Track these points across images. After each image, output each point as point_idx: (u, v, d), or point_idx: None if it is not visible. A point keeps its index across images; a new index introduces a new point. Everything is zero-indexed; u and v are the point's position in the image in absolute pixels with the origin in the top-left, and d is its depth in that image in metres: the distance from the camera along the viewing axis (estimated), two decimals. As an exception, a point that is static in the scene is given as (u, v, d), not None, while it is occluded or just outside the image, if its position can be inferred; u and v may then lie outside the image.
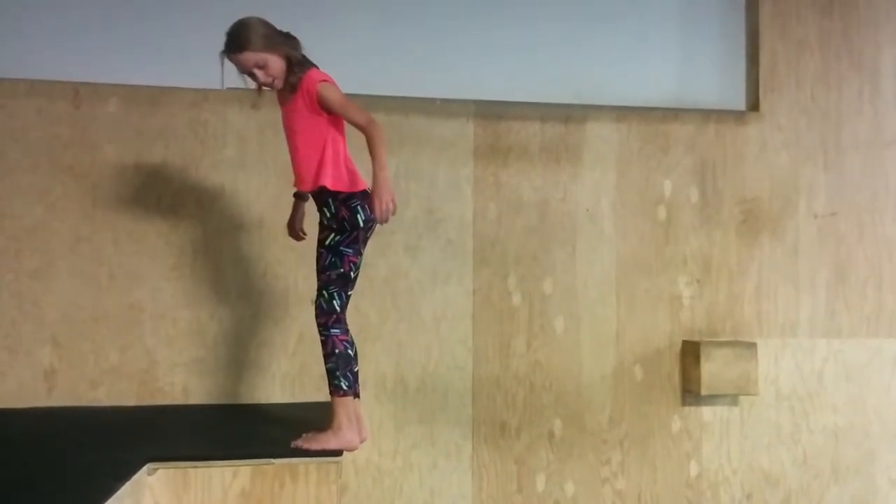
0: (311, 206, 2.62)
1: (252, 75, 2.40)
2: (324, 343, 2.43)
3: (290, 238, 2.75)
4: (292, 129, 2.47)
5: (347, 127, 2.47)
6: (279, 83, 2.42)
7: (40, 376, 3.11)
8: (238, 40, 2.36)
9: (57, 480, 2.00)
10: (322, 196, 2.45)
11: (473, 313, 3.39)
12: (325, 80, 2.40)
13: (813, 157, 3.67)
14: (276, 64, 2.38)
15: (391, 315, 3.33)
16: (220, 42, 3.21)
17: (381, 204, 2.32)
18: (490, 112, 3.44)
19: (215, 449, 2.44)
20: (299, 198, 2.70)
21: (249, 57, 2.36)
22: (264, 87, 2.46)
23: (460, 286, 3.39)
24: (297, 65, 2.41)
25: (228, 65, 2.43)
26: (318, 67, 2.45)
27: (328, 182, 2.40)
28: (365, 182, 2.44)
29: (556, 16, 3.57)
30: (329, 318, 2.43)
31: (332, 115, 2.42)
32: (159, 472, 2.23)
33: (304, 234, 2.72)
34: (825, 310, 3.64)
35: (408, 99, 3.33)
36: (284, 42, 2.40)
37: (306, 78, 2.39)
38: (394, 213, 2.36)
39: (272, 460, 2.31)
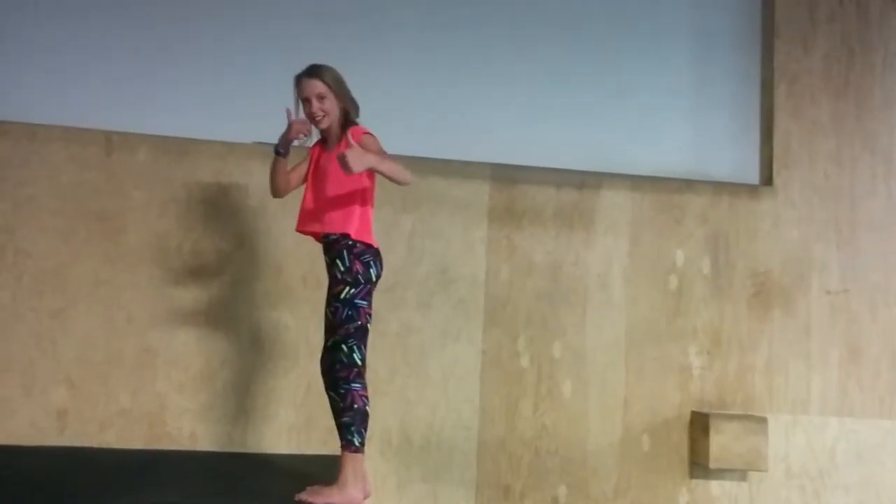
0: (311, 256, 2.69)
1: (307, 102, 2.57)
2: (342, 396, 2.46)
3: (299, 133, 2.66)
4: (327, 174, 2.57)
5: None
6: (327, 122, 2.59)
7: (53, 416, 3.14)
8: (316, 68, 2.59)
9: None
10: (337, 246, 2.53)
11: (482, 373, 3.40)
12: (368, 133, 2.59)
13: (825, 235, 3.69)
14: (333, 106, 2.59)
15: (400, 370, 3.35)
16: (249, 98, 3.39)
17: (352, 150, 2.36)
18: (506, 175, 3.51)
19: (218, 498, 2.45)
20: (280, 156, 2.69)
21: (317, 84, 2.57)
22: (312, 122, 2.61)
23: (470, 345, 3.41)
24: (350, 121, 2.61)
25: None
26: None
27: (353, 231, 2.52)
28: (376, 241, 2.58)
29: (576, 85, 3.68)
30: (350, 372, 2.47)
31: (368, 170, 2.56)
32: (161, 518, 2.24)
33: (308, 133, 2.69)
34: (837, 388, 3.61)
35: (426, 160, 3.42)
36: (349, 98, 2.61)
37: (354, 129, 2.58)
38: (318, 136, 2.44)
39: (274, 512, 2.33)
